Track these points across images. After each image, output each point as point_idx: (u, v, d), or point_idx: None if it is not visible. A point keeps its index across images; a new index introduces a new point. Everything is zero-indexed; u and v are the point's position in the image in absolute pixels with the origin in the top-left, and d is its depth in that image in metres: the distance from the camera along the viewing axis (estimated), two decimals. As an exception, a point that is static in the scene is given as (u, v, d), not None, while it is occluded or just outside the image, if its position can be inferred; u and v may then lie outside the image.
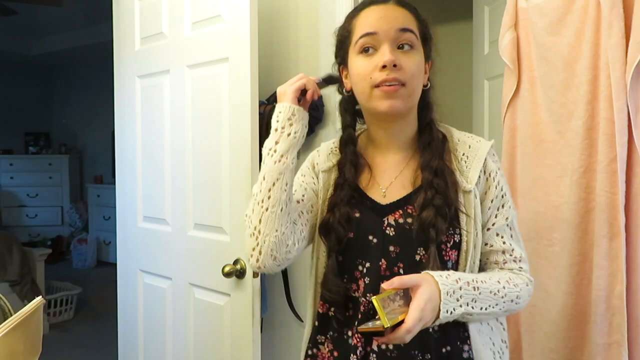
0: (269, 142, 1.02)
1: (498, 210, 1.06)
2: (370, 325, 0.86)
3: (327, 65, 1.96)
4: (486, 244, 1.06)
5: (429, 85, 1.08)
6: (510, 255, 1.06)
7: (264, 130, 1.93)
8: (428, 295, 0.89)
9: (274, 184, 0.98)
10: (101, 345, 3.51)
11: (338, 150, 1.12)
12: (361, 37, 1.00)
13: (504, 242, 1.06)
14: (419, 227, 0.99)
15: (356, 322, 1.03)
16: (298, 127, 1.01)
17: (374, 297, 0.85)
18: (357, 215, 1.04)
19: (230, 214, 1.69)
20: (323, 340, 1.10)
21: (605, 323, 1.36)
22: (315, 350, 1.11)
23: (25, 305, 0.84)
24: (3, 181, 6.63)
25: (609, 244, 1.34)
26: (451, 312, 0.92)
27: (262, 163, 1.02)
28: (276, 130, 1.01)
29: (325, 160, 1.13)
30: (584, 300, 1.42)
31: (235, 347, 1.70)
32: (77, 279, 4.91)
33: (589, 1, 1.38)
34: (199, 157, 1.81)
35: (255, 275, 1.63)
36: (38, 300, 0.88)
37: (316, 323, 1.11)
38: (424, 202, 0.99)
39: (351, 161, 1.07)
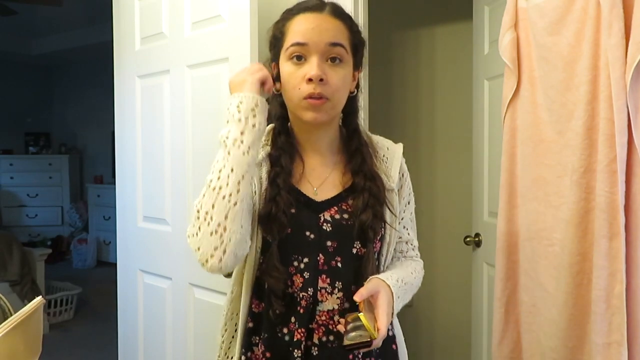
0: (232, 133, 0.96)
1: (406, 206, 1.18)
2: (356, 339, 0.91)
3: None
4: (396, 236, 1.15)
5: (355, 92, 1.10)
6: (412, 244, 1.20)
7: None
8: (387, 300, 0.98)
9: (243, 177, 0.95)
10: (101, 345, 3.51)
11: (264, 143, 1.12)
12: (292, 45, 1.02)
13: (408, 234, 1.19)
14: (359, 228, 1.05)
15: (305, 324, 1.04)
16: (262, 119, 0.99)
17: (361, 314, 0.93)
18: (293, 211, 1.05)
19: (230, 214, 1.69)
20: (257, 342, 1.08)
21: (605, 323, 1.36)
22: (249, 353, 1.09)
23: (25, 305, 0.84)
24: (3, 181, 6.63)
25: (608, 244, 1.34)
26: (396, 310, 1.03)
27: (217, 154, 0.98)
28: (239, 120, 0.96)
29: None
30: (584, 300, 1.42)
31: (235, 347, 1.70)
32: (77, 279, 4.90)
33: (589, 1, 1.38)
34: (199, 157, 1.81)
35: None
36: (38, 300, 0.88)
37: (250, 324, 1.09)
38: (362, 205, 1.05)
39: (287, 151, 1.09)
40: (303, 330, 1.03)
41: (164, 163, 1.94)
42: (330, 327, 1.04)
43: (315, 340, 1.04)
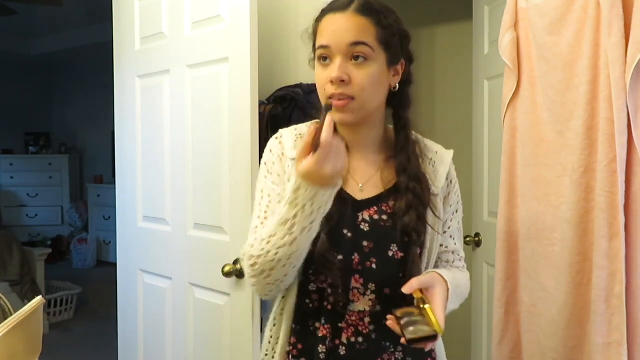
0: (300, 220, 0.91)
1: (453, 215, 1.15)
2: (419, 333, 0.87)
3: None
4: (441, 245, 1.12)
5: (397, 87, 1.06)
6: (458, 255, 1.17)
7: (264, 130, 1.93)
8: (444, 296, 0.96)
9: (304, 251, 0.97)
10: (101, 345, 3.51)
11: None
12: (318, 48, 1.03)
13: (455, 244, 1.15)
14: (401, 230, 1.02)
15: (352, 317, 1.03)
16: (332, 201, 0.94)
17: (427, 306, 0.90)
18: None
19: (230, 214, 1.69)
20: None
21: (605, 323, 1.36)
22: (289, 347, 1.09)
23: (25, 305, 0.85)
24: (3, 181, 6.63)
25: (608, 244, 1.34)
26: (447, 310, 0.99)
27: (274, 227, 0.95)
28: (312, 213, 0.91)
29: (292, 147, 1.08)
30: (584, 299, 1.42)
31: (235, 347, 1.70)
32: (77, 278, 4.90)
33: (589, 1, 1.38)
34: (199, 157, 1.81)
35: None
36: (38, 300, 0.88)
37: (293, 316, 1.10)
38: (405, 206, 1.03)
39: None
40: (329, 326, 1.03)
41: (164, 163, 1.94)
42: (360, 328, 1.03)
43: (344, 340, 1.03)
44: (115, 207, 2.22)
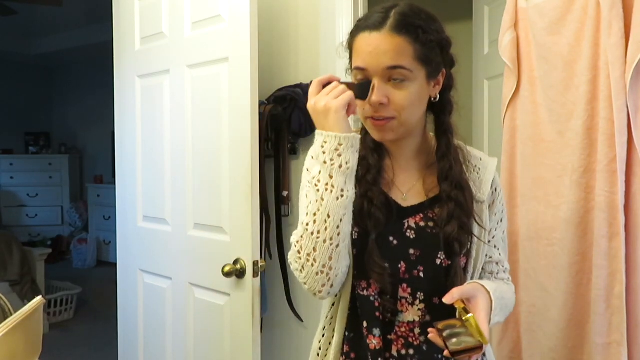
0: (322, 176, 0.92)
1: (498, 224, 1.10)
2: (462, 344, 0.85)
3: (326, 65, 1.97)
4: (485, 255, 1.08)
5: (437, 98, 1.04)
6: (503, 266, 1.12)
7: (264, 130, 1.93)
8: (486, 307, 0.93)
9: (341, 220, 0.92)
10: (101, 345, 3.52)
11: None
12: (355, 69, 0.99)
13: (499, 254, 1.11)
14: (445, 240, 1.00)
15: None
16: (349, 156, 0.92)
17: (470, 315, 0.87)
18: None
19: (230, 213, 1.69)
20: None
21: (605, 323, 1.36)
22: (342, 357, 1.06)
23: (25, 305, 0.85)
24: (3, 181, 6.63)
25: (608, 244, 1.34)
26: (492, 322, 0.96)
27: (308, 193, 0.94)
28: (325, 162, 0.92)
29: None
30: (584, 299, 1.43)
31: (235, 347, 1.70)
32: (77, 278, 4.90)
33: (589, 1, 1.38)
34: (199, 157, 1.81)
35: (255, 274, 1.63)
36: (38, 300, 0.89)
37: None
38: (447, 216, 1.00)
39: (374, 149, 1.05)
40: (380, 339, 1.00)
41: (164, 163, 1.94)
42: (410, 340, 1.01)
43: (394, 353, 1.00)
44: (115, 207, 2.22)
